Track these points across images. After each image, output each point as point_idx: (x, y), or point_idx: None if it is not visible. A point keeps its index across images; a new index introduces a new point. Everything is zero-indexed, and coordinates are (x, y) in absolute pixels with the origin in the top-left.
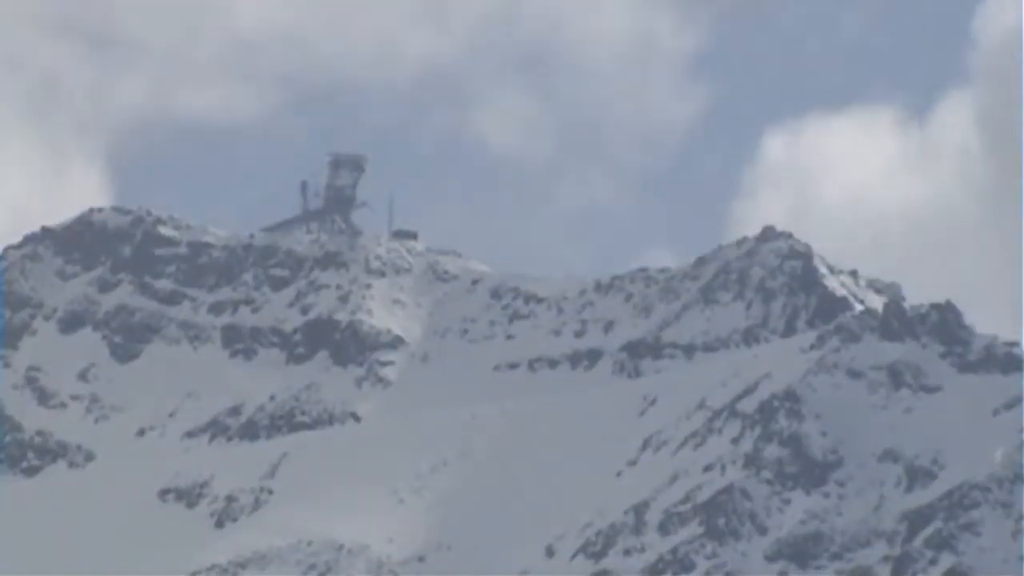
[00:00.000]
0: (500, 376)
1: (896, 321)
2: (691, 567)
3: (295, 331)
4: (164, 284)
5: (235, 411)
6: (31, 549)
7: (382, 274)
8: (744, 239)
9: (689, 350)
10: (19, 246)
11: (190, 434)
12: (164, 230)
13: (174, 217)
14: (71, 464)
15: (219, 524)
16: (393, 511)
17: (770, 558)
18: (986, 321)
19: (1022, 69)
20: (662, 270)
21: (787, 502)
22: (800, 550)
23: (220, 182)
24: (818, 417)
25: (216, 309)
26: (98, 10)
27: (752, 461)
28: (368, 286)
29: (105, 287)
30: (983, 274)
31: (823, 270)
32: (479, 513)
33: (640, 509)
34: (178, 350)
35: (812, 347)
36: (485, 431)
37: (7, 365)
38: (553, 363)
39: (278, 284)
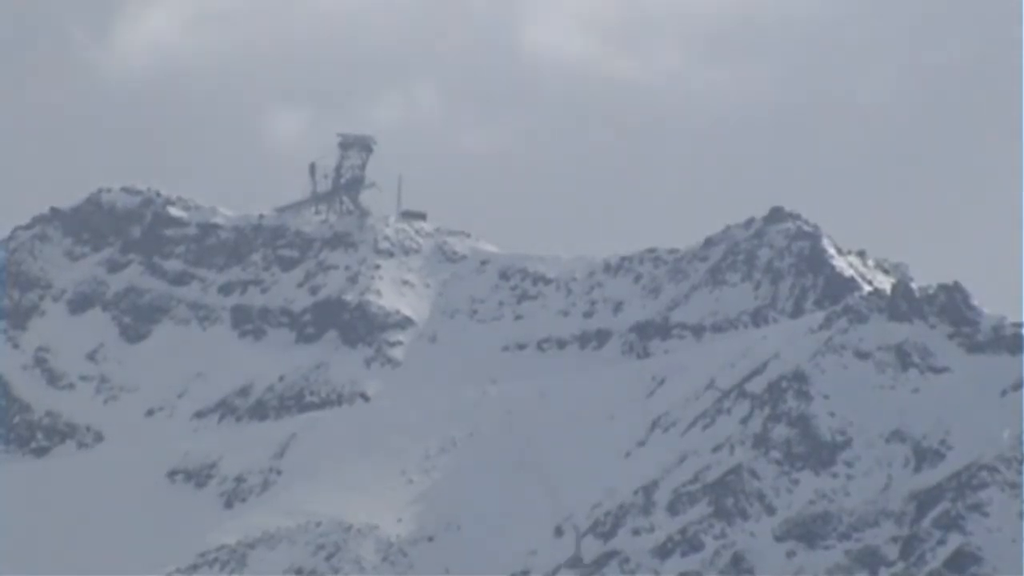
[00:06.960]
0: (509, 357)
1: (904, 302)
2: (700, 547)
3: (304, 311)
4: (173, 265)
5: (244, 392)
6: (40, 530)
7: (391, 254)
8: (752, 219)
9: (698, 331)
10: (28, 227)
11: (199, 415)
12: (173, 211)
13: (183, 198)
14: (80, 445)
15: (228, 505)
16: (402, 491)
17: (779, 538)
18: (994, 302)
19: (1021, 68)
20: (671, 251)
21: (795, 482)
22: (808, 530)
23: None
24: (826, 398)
25: (225, 290)
26: None
27: (760, 441)
28: (377, 266)
29: (114, 268)
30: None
31: (831, 251)
32: (488, 493)
33: (649, 489)
34: (187, 331)
35: (820, 328)
36: (494, 411)
37: (16, 346)
38: (562, 344)
39: (287, 265)
